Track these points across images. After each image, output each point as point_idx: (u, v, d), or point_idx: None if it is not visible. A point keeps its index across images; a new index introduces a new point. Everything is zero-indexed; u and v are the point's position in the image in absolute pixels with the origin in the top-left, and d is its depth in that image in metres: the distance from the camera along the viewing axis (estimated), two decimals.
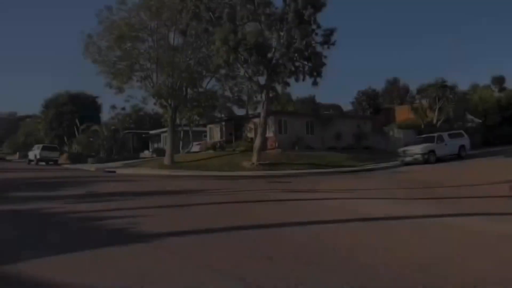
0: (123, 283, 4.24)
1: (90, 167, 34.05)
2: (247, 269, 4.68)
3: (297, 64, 25.59)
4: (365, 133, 37.30)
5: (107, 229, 7.26)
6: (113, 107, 55.13)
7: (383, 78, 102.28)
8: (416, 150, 26.23)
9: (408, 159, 26.33)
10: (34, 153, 42.38)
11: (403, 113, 41.12)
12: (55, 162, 41.52)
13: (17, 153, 71.24)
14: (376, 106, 43.53)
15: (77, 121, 51.17)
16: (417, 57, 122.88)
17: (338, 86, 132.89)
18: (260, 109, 32.25)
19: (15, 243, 6.25)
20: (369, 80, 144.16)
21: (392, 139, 37.85)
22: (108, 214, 8.76)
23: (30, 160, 43.32)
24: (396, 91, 59.63)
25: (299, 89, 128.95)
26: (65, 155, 46.16)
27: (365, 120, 38.90)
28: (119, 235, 6.74)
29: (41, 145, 43.75)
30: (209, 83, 34.79)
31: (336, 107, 60.00)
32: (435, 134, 27.66)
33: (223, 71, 29.74)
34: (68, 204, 10.63)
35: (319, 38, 25.51)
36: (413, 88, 54.21)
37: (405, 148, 27.66)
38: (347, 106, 54.42)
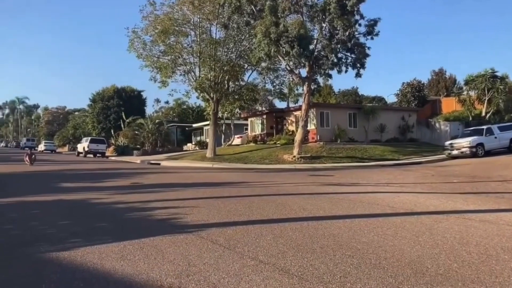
0: (170, 271, 4.33)
1: (135, 159, 35.04)
2: (290, 261, 4.67)
3: (339, 55, 25.26)
4: (409, 126, 36.40)
5: (152, 219, 7.44)
6: (157, 100, 56.38)
7: (429, 69, 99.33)
8: (464, 143, 25.31)
9: (455, 152, 25.47)
10: (83, 145, 44.03)
11: (449, 105, 39.67)
12: (102, 155, 42.96)
13: (67, 145, 74.33)
14: (421, 98, 42.17)
15: (123, 114, 52.67)
16: (464, 47, 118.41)
17: (382, 77, 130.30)
18: (301, 102, 32.09)
19: (67, 231, 6.51)
20: (414, 71, 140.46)
21: (438, 132, 36.70)
22: (153, 205, 8.99)
23: (79, 153, 45.05)
24: (443, 82, 57.60)
25: (341, 81, 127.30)
26: (111, 148, 47.71)
27: (410, 112, 37.86)
28: (164, 225, 6.90)
29: (89, 138, 45.39)
30: (250, 76, 34.96)
31: (380, 99, 58.79)
32: (484, 127, 26.56)
33: (264, 64, 29.75)
34: (115, 194, 10.98)
35: (362, 29, 25.13)
36: (460, 79, 52.31)
37: (452, 141, 26.76)
38: (391, 98, 53.16)
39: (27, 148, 54.40)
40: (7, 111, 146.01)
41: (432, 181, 14.41)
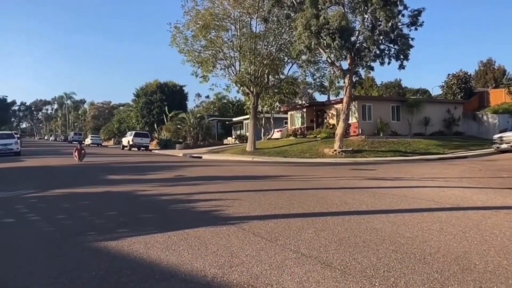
0: (213, 262, 4.42)
1: (177, 153, 35.74)
2: (333, 254, 4.65)
3: (382, 47, 24.73)
4: (455, 119, 35.18)
5: (195, 210, 7.59)
6: (198, 95, 57.16)
7: (476, 59, 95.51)
8: None
9: (504, 146, 24.38)
10: (127, 139, 45.28)
11: (498, 97, 38.02)
12: (146, 148, 44.03)
13: (112, 139, 76.69)
14: (467, 89, 40.61)
15: (165, 109, 53.72)
16: None
17: (427, 69, 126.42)
18: (342, 95, 31.67)
19: (114, 221, 6.74)
20: (460, 62, 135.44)
21: (486, 125, 35.29)
22: (196, 197, 9.16)
23: (124, 146, 46.38)
24: (491, 74, 55.23)
25: (384, 73, 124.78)
26: (155, 141, 48.83)
27: (456, 104, 36.56)
28: (207, 216, 7.02)
29: (133, 132, 46.61)
30: (290, 70, 34.79)
31: (424, 92, 57.07)
32: None
33: (304, 57, 29.54)
34: (159, 186, 11.27)
35: (405, 20, 24.44)
36: (510, 69, 49.99)
37: (501, 134, 25.62)
38: (436, 90, 51.52)
39: (75, 142, 56.48)
40: (55, 106, 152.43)
41: (479, 176, 13.90)
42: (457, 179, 12.93)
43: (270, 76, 33.14)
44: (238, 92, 36.61)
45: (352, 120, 31.31)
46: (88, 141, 65.63)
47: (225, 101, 73.51)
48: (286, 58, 32.82)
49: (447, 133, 33.94)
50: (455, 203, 8.18)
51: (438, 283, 3.74)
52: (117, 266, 4.35)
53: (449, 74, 43.28)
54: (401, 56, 24.56)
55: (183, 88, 65.98)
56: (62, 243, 5.29)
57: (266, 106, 40.25)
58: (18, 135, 39.71)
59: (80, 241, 5.37)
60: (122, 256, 4.72)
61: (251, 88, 31.56)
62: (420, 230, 5.79)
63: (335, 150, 25.33)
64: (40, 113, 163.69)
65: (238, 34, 31.47)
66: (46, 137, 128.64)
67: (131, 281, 3.87)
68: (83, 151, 22.20)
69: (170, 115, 51.55)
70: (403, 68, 24.90)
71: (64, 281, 3.90)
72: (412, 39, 24.50)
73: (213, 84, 62.09)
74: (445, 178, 13.16)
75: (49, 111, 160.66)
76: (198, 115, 51.48)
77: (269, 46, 31.98)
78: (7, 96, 75.91)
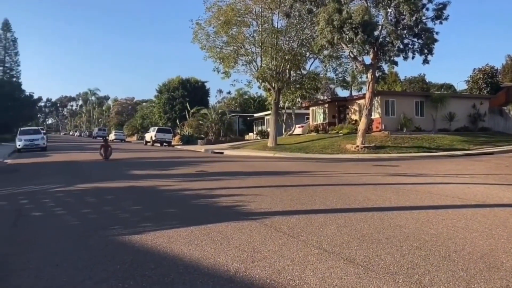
0: (236, 257, 4.44)
1: (199, 148, 35.98)
2: (355, 250, 4.63)
3: (405, 41, 24.34)
4: (481, 114, 34.41)
5: (217, 205, 7.64)
6: (220, 91, 57.34)
7: (503, 53, 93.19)
8: None
9: None
10: (150, 135, 45.76)
11: None
12: (169, 144, 44.40)
13: (135, 135, 77.69)
14: (494, 84, 39.64)
15: (187, 104, 54.10)
16: None
17: (452, 64, 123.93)
18: (365, 90, 31.35)
19: (138, 216, 6.85)
20: (486, 56, 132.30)
21: None
22: (218, 192, 9.21)
23: (147, 142, 46.91)
24: None
25: (408, 68, 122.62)
26: (177, 137, 49.25)
27: (482, 99, 35.74)
28: (229, 211, 7.06)
29: (156, 128, 47.06)
30: (312, 65, 34.57)
31: (449, 87, 56.04)
32: None
33: (326, 52, 29.29)
34: (182, 182, 11.38)
35: (430, 13, 23.97)
36: None
37: None
38: (461, 85, 50.52)
39: (100, 138, 57.26)
40: (80, 102, 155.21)
41: (506, 172, 13.58)
42: (483, 176, 12.66)
43: (291, 72, 33.01)
44: (259, 87, 36.64)
45: (375, 115, 30.96)
46: (112, 136, 66.62)
47: (246, 97, 73.63)
48: (308, 53, 32.63)
49: (473, 129, 33.24)
50: (481, 200, 8.02)
51: (463, 281, 3.68)
52: (141, 259, 4.42)
53: (475, 69, 42.41)
54: (425, 51, 24.13)
55: (205, 84, 66.29)
56: (87, 237, 5.41)
57: (287, 101, 40.11)
58: (44, 131, 40.60)
59: (105, 235, 5.48)
60: (146, 250, 4.79)
61: (273, 83, 31.49)
62: (445, 227, 5.70)
63: (357, 146, 25.10)
64: (65, 109, 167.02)
65: (260, 29, 31.42)
66: (71, 133, 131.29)
67: (155, 274, 3.93)
68: (109, 148, 20.64)
69: (192, 111, 51.88)
70: (427, 62, 24.47)
71: (90, 273, 3.98)
72: (437, 33, 24.04)
73: (234, 80, 61.94)
74: (471, 175, 12.90)
75: (74, 107, 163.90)
76: (220, 111, 51.66)
77: (291, 41, 31.84)
78: (33, 93, 77.48)
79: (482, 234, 5.30)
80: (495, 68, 42.40)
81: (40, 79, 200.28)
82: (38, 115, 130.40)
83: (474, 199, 8.15)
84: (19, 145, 29.07)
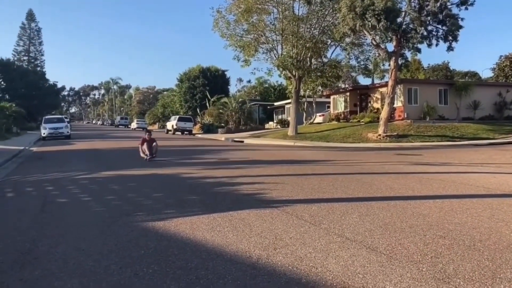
0: (258, 244, 4.47)
1: (220, 137, 36.13)
2: (378, 239, 4.60)
3: (429, 28, 23.81)
4: (507, 102, 33.52)
5: (239, 193, 7.68)
6: (240, 80, 57.23)
7: None
8: None
9: None
10: (171, 123, 46.11)
11: None
12: (190, 132, 44.69)
13: (157, 123, 78.45)
14: None
15: (207, 93, 54.26)
16: None
17: (477, 51, 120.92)
18: (387, 78, 30.88)
19: (161, 203, 6.94)
20: None
21: None
22: (239, 180, 9.25)
23: (168, 130, 47.30)
24: None
25: (431, 55, 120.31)
26: (197, 126, 49.53)
27: (508, 87, 34.78)
28: (250, 199, 7.09)
29: (177, 116, 47.37)
30: (334, 53, 34.17)
31: (473, 74, 54.79)
32: None
33: (348, 39, 28.90)
34: (203, 170, 11.46)
35: None
36: None
37: None
38: (486, 73, 49.36)
39: (122, 126, 57.77)
40: (102, 91, 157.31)
41: None
42: (508, 165, 12.39)
43: (312, 60, 32.70)
44: (280, 76, 36.42)
45: (397, 104, 30.50)
46: (134, 125, 67.37)
47: (266, 85, 73.38)
48: (329, 41, 32.25)
49: (498, 118, 32.46)
50: (507, 190, 7.85)
51: (489, 270, 3.63)
52: (165, 245, 4.49)
53: (501, 56, 41.40)
54: (450, 38, 23.56)
55: (225, 72, 66.28)
56: (112, 223, 5.50)
57: (308, 90, 39.81)
58: (68, 119, 41.29)
59: (129, 221, 5.57)
60: (169, 236, 4.86)
61: (293, 71, 31.27)
62: (470, 217, 5.61)
63: (379, 135, 24.82)
64: (88, 98, 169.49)
65: (281, 17, 31.14)
66: (94, 121, 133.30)
67: (178, 260, 3.99)
68: (154, 144, 14.60)
69: (212, 99, 52.01)
70: (452, 50, 23.91)
71: (115, 258, 4.06)
72: (462, 19, 23.41)
73: (254, 68, 61.93)
74: (496, 164, 12.64)
75: (96, 96, 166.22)
76: (240, 99, 51.64)
77: (312, 28, 31.49)
78: (57, 82, 78.88)
79: (508, 224, 5.21)
80: None
81: (64, 69, 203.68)
82: (62, 104, 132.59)
83: (499, 188, 7.99)
84: (44, 133, 29.66)
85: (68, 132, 31.02)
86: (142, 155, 14.40)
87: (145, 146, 14.39)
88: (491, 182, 8.78)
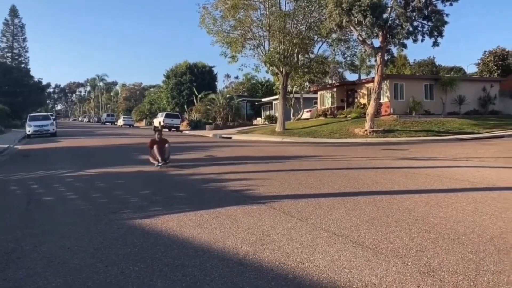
0: (245, 240, 4.48)
1: (207, 133, 36.04)
2: (364, 234, 4.64)
3: (415, 24, 24.00)
4: (491, 97, 33.93)
5: (226, 190, 7.67)
6: (227, 76, 57.06)
7: None
8: None
9: None
10: (158, 120, 45.84)
11: None
12: (177, 129, 44.47)
13: (144, 120, 77.92)
14: (505, 67, 39.01)
15: (195, 89, 54.02)
16: None
17: (462, 46, 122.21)
18: (373, 74, 31.05)
19: (148, 200, 6.90)
20: (497, 39, 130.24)
21: None
22: (227, 177, 9.25)
23: (155, 127, 47.02)
24: None
25: (417, 51, 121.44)
26: (185, 122, 49.33)
27: (492, 82, 35.19)
28: (237, 195, 7.09)
29: (164, 113, 47.13)
30: (320, 48, 34.18)
31: (459, 69, 55.34)
32: None
33: (335, 35, 28.98)
34: (190, 166, 11.41)
35: None
36: None
37: None
38: (471, 68, 49.90)
39: (108, 123, 57.10)
40: (88, 88, 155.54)
41: None
42: (492, 159, 12.56)
43: (299, 56, 32.72)
44: (267, 72, 36.37)
45: (384, 99, 30.70)
46: (120, 122, 66.78)
47: (254, 81, 73.18)
48: (316, 37, 32.28)
49: (483, 112, 32.85)
50: (491, 183, 7.97)
51: (473, 263, 3.68)
52: (152, 242, 4.47)
53: (485, 51, 41.77)
54: (435, 33, 23.77)
55: (213, 69, 65.95)
56: (98, 221, 5.46)
57: (295, 86, 39.83)
58: (54, 117, 40.80)
59: (115, 219, 5.54)
60: (156, 233, 4.84)
61: (281, 67, 31.27)
62: (454, 210, 5.69)
63: (366, 130, 24.98)
64: (74, 95, 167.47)
65: (267, 13, 31.09)
66: (80, 119, 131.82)
67: (165, 257, 3.98)
68: (167, 145, 11.66)
69: (199, 96, 51.78)
70: (437, 45, 24.14)
71: (101, 257, 4.04)
72: (447, 15, 23.64)
73: (242, 65, 61.88)
74: (480, 158, 12.81)
75: (82, 93, 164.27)
76: (228, 95, 51.49)
77: (299, 24, 31.49)
78: (42, 79, 77.77)
79: (492, 217, 5.29)
80: (506, 50, 41.68)
81: (49, 66, 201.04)
82: (47, 101, 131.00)
83: (483, 182, 8.10)
84: (29, 131, 29.26)
85: (53, 129, 30.62)
86: (152, 160, 11.36)
87: (155, 150, 11.33)
88: (476, 176, 8.90)
